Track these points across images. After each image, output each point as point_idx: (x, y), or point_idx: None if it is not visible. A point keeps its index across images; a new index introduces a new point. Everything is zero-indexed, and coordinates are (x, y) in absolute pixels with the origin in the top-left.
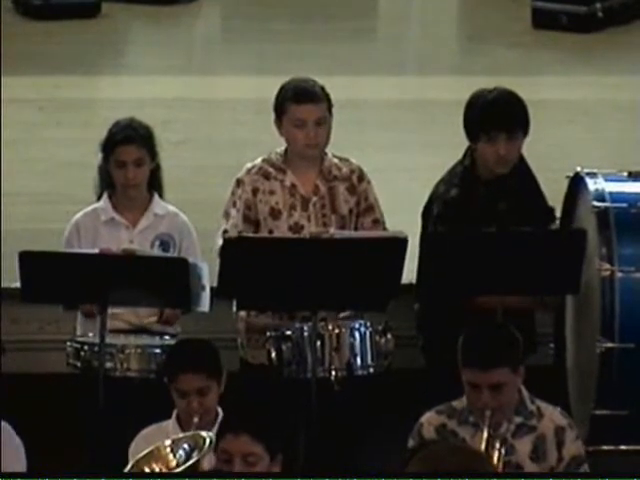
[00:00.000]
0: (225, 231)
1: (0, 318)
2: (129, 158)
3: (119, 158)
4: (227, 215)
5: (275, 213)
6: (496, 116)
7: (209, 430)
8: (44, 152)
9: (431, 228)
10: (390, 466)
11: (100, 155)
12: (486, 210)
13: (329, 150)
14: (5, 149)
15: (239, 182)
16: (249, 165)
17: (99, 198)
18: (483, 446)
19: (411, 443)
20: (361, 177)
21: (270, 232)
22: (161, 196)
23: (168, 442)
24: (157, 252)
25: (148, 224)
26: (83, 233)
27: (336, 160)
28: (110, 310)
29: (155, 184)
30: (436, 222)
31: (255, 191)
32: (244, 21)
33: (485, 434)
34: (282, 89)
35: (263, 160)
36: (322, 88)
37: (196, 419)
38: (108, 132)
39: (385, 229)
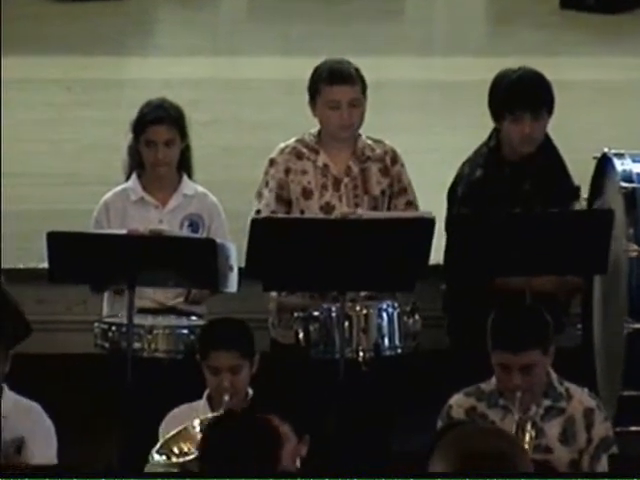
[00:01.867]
0: (258, 211)
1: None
2: (160, 138)
3: (150, 138)
4: (260, 195)
5: (307, 193)
6: (521, 95)
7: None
8: (71, 133)
9: (456, 209)
10: (418, 446)
11: (130, 135)
12: (511, 191)
13: (362, 131)
14: (32, 130)
15: (272, 162)
16: (282, 145)
17: (128, 178)
18: (514, 428)
19: (440, 425)
20: (395, 159)
21: (302, 212)
22: (190, 177)
23: (197, 422)
24: (186, 232)
25: (177, 204)
26: (112, 213)
27: (370, 141)
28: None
29: (185, 164)
30: (461, 203)
31: (287, 171)
32: (270, 1)
33: (516, 416)
34: (316, 70)
35: (296, 140)
36: (357, 69)
37: (227, 398)
38: (139, 112)
39: (417, 211)
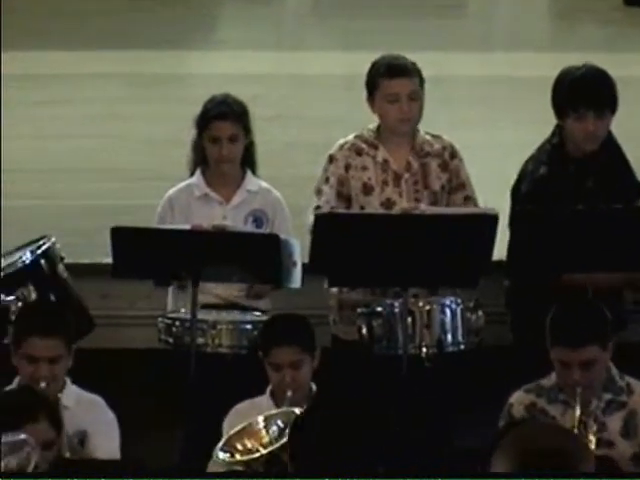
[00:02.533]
0: (318, 207)
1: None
2: (224, 134)
3: (214, 134)
4: (319, 192)
5: (367, 189)
6: (584, 94)
7: (303, 405)
8: (134, 128)
9: (520, 206)
10: (481, 443)
11: (194, 130)
12: (575, 188)
13: (419, 127)
14: (94, 125)
15: (331, 158)
16: (341, 141)
17: (192, 174)
18: (575, 424)
19: (501, 424)
20: (453, 154)
21: (362, 208)
22: (254, 172)
23: (261, 418)
24: (250, 228)
25: (241, 200)
26: (177, 208)
27: (428, 137)
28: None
29: (249, 160)
30: (525, 200)
31: (347, 167)
32: None
33: (577, 412)
34: (374, 65)
35: (355, 136)
36: (413, 63)
37: (289, 393)
38: (203, 107)
39: (476, 206)
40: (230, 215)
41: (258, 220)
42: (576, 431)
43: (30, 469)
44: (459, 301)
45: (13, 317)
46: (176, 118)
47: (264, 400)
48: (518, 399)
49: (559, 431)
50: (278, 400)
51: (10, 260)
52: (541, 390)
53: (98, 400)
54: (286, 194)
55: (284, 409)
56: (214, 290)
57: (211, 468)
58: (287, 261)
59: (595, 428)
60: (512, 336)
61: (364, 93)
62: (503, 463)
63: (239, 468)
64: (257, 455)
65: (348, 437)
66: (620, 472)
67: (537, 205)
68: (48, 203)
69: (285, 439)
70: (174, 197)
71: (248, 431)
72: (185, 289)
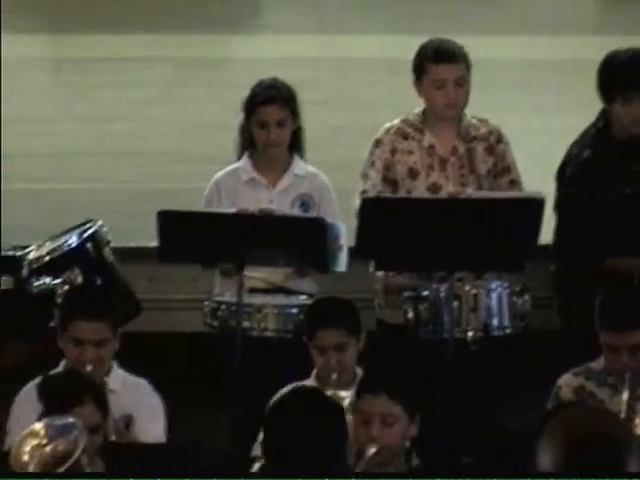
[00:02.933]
0: (364, 191)
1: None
2: (271, 118)
3: (261, 118)
4: (365, 176)
5: (413, 173)
6: (631, 77)
7: (347, 388)
8: (181, 112)
9: (565, 190)
10: (527, 426)
11: (241, 114)
12: (621, 171)
13: (466, 111)
14: (143, 108)
15: (378, 142)
16: (387, 125)
17: (239, 158)
18: (624, 408)
19: (549, 406)
20: (499, 138)
21: (408, 192)
22: (302, 157)
23: None
24: (297, 212)
25: (288, 184)
26: (224, 192)
27: (474, 121)
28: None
29: (296, 145)
30: (569, 183)
31: (394, 151)
32: None
33: (625, 396)
34: (421, 49)
35: (401, 121)
36: (461, 48)
37: (334, 376)
38: (251, 91)
39: (522, 190)
40: (277, 199)
41: (305, 204)
42: (624, 415)
43: (78, 453)
44: (505, 285)
45: (59, 300)
46: (222, 102)
47: (309, 383)
48: (566, 381)
49: (606, 416)
50: (323, 383)
51: (56, 243)
52: (590, 373)
53: (144, 383)
54: (333, 178)
55: (330, 392)
56: (260, 274)
57: (256, 450)
58: (333, 245)
59: None
60: (559, 320)
61: (411, 77)
62: (549, 447)
63: None
64: None
65: (312, 435)
66: None
67: (581, 188)
68: (95, 187)
69: None
70: (221, 181)
71: None
72: (228, 277)
